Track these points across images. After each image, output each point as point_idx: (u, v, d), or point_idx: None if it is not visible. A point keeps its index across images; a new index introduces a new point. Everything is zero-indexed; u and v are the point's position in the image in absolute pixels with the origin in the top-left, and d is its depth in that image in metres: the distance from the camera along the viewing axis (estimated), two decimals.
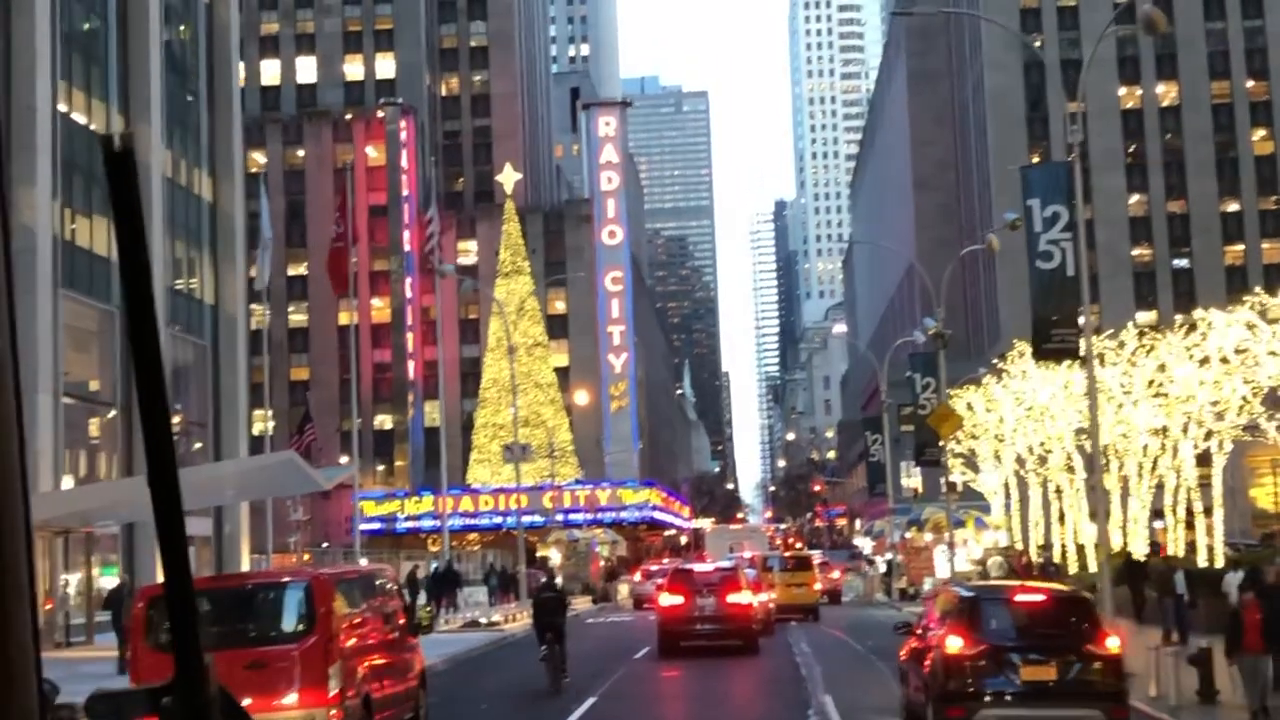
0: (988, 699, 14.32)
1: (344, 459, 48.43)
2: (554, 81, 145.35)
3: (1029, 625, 15.09)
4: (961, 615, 15.17)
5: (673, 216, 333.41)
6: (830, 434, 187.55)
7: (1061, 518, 52.50)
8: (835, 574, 53.19)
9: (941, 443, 37.76)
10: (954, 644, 14.52)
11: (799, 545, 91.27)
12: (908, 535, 48.55)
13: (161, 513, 1.87)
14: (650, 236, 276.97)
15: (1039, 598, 16.33)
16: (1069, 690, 14.37)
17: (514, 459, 45.60)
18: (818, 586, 41.44)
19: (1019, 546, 55.37)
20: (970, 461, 54.89)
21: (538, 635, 22.52)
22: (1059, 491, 52.24)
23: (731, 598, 27.07)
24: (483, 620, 37.45)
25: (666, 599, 27.36)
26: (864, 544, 75.37)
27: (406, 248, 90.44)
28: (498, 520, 74.01)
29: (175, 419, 46.34)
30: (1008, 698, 14.32)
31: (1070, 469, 47.66)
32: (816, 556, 52.04)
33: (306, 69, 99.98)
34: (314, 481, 30.89)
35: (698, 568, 29.87)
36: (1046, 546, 57.20)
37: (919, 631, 16.49)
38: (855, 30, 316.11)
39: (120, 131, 2.10)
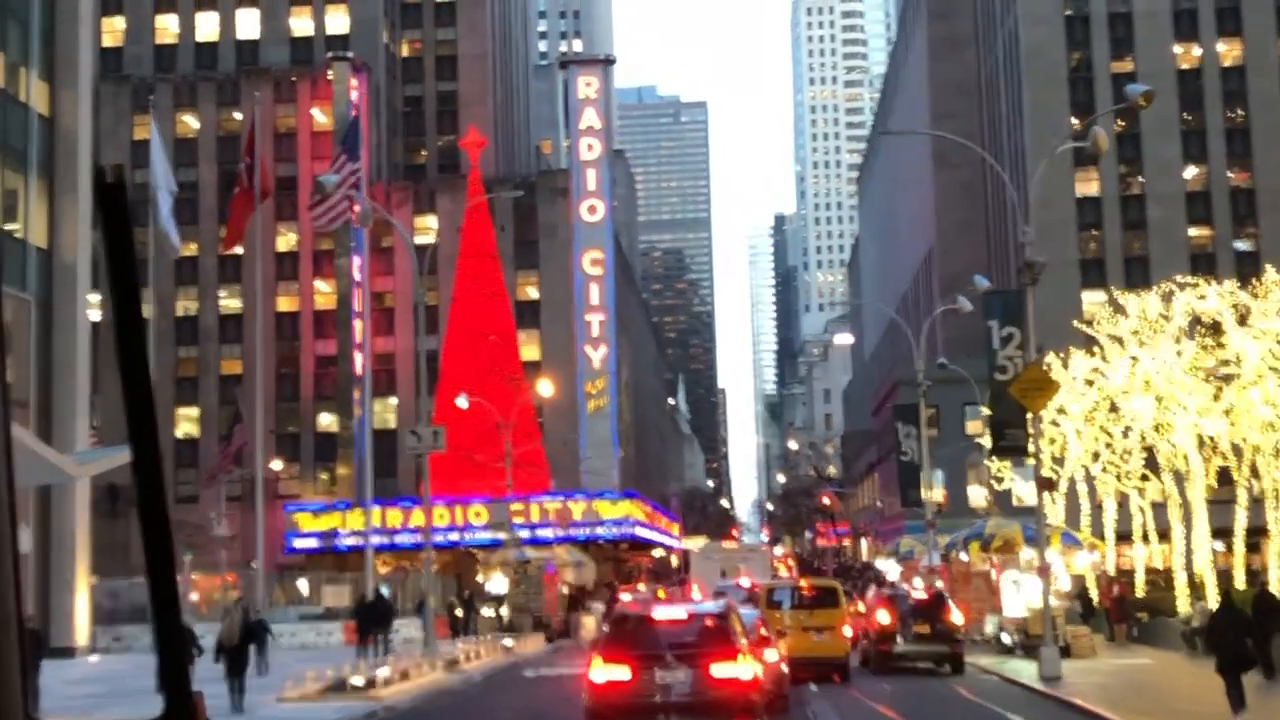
0: (899, 640, 30.45)
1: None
2: (541, 74, 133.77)
3: (919, 608, 31.00)
4: (889, 603, 31.99)
5: (669, 229, 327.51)
6: (830, 449, 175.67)
7: (1160, 536, 40.84)
8: (860, 608, 41.36)
9: (1029, 422, 25.77)
10: (883, 617, 31.02)
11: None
12: (964, 556, 36.41)
13: (151, 543, 1.84)
14: (646, 249, 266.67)
15: (924, 596, 32.79)
16: (934, 637, 30.28)
17: (420, 449, 33.57)
18: (847, 631, 29.31)
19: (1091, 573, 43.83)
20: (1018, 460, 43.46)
21: None
22: (1150, 501, 40.71)
23: (719, 669, 14.85)
24: (356, 682, 25.32)
25: (601, 672, 15.03)
26: (889, 567, 63.21)
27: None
28: (454, 537, 67.49)
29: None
30: (907, 639, 30.33)
31: (1179, 471, 35.90)
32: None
33: (248, 23, 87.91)
34: (54, 468, 18.91)
35: (660, 614, 16.74)
36: (1128, 572, 45.66)
37: (864, 615, 33.78)
38: (858, 37, 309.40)
39: (111, 165, 2.00)
